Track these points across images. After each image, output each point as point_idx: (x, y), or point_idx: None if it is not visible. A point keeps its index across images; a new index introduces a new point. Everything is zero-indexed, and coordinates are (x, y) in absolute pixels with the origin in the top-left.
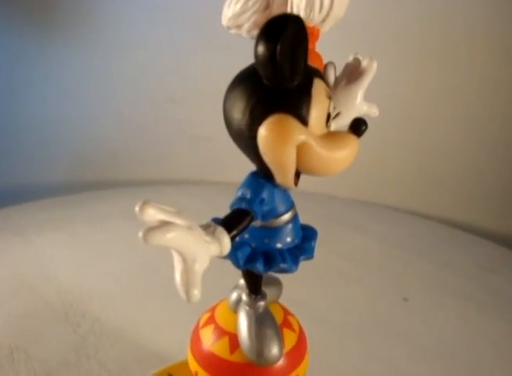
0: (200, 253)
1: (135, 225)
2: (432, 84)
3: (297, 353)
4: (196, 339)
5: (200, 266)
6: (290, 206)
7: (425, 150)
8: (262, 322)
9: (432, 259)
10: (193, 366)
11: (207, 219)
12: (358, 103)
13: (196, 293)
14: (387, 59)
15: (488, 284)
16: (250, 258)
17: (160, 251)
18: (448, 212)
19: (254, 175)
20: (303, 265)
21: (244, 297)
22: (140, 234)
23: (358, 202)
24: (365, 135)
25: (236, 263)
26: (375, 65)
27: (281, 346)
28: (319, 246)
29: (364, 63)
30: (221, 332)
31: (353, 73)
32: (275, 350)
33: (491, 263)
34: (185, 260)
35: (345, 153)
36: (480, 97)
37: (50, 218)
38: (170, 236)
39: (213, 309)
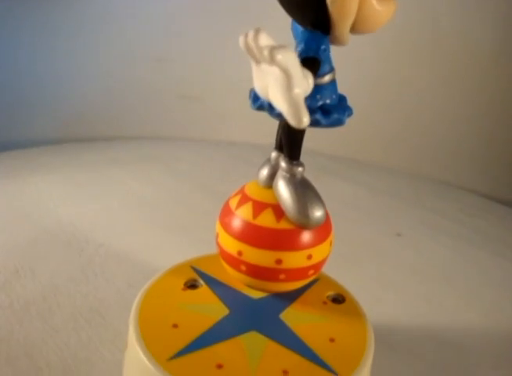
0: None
1: (129, 170)
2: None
3: (328, 219)
4: (232, 221)
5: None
6: (333, 65)
7: (408, 109)
8: (304, 185)
9: (421, 206)
10: (236, 247)
11: (210, 175)
12: None
13: (306, 119)
14: None
15: (475, 226)
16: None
17: (155, 190)
18: (433, 170)
19: (308, 31)
20: None
21: (283, 164)
22: (265, 52)
23: (344, 158)
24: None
25: None
26: None
27: (325, 207)
28: None
29: None
30: (261, 206)
31: None
32: (321, 211)
33: (476, 211)
34: (290, 86)
35: (392, 8)
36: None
37: (43, 163)
38: (290, 55)
39: (241, 192)
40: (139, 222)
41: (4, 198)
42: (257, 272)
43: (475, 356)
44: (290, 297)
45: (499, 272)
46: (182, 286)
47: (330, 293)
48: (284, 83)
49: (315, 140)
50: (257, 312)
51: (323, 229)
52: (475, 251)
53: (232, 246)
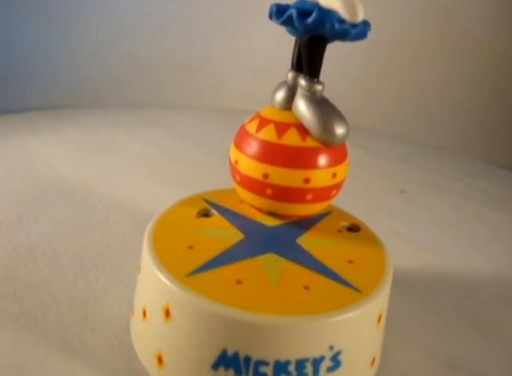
0: None
1: (130, 132)
2: None
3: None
4: (255, 144)
5: None
6: None
7: (409, 76)
8: (325, 103)
9: (422, 167)
10: (261, 170)
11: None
12: None
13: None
14: None
15: (477, 186)
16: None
17: (157, 149)
18: (431, 137)
19: None
20: None
21: (303, 82)
22: None
23: None
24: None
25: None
26: None
27: (347, 124)
28: None
29: None
30: (284, 126)
31: None
32: (344, 127)
33: (477, 173)
34: None
35: None
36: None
37: (44, 125)
38: None
39: (258, 117)
40: (142, 177)
41: (5, 155)
42: (284, 195)
43: (486, 297)
44: (305, 225)
45: (503, 226)
46: (195, 214)
47: (345, 223)
48: None
49: None
50: (273, 237)
51: (344, 148)
52: (478, 207)
53: (256, 170)
